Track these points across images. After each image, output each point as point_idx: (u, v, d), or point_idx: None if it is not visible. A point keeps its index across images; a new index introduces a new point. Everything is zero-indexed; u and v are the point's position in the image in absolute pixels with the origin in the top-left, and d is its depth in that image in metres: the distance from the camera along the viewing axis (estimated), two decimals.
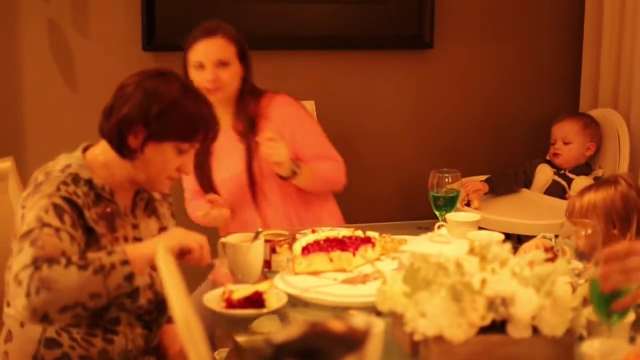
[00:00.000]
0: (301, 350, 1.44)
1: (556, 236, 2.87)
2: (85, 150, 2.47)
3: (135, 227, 2.48)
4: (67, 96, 4.14)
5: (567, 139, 4.19)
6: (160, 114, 2.35)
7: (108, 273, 2.15)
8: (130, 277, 2.20)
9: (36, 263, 2.11)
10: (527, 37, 4.62)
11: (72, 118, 4.10)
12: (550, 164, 4.25)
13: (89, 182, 2.36)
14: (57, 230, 2.21)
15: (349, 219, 4.04)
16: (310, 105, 4.21)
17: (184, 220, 2.80)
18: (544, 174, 4.23)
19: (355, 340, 1.48)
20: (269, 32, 4.24)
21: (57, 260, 2.12)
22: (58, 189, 2.28)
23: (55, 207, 2.24)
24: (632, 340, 2.05)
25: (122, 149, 2.39)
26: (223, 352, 2.49)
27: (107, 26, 4.10)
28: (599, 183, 2.96)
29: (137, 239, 2.47)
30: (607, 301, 1.96)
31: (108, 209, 2.39)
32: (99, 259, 2.16)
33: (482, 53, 4.56)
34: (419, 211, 3.72)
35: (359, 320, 1.51)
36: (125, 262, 2.18)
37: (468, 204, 3.92)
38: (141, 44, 4.10)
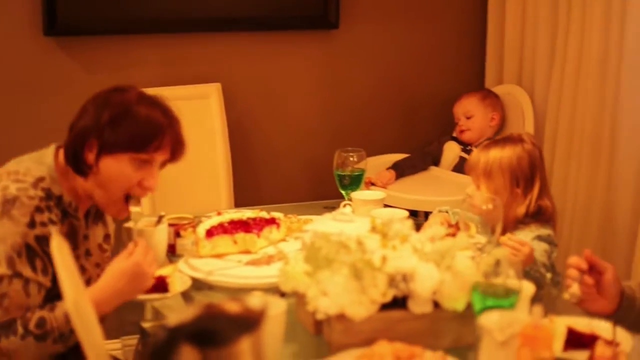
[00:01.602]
0: (195, 333, 1.42)
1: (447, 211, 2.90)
2: (56, 151, 2.37)
3: (85, 238, 2.43)
4: None
5: (469, 113, 4.23)
6: (111, 122, 2.26)
7: (68, 338, 2.15)
8: None
9: None
10: (432, 16, 4.63)
11: None
12: (458, 141, 4.29)
13: (59, 199, 2.28)
14: (27, 282, 2.17)
15: (258, 200, 4.04)
16: (217, 87, 4.18)
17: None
18: (451, 151, 4.27)
19: (251, 320, 1.47)
20: (173, 16, 4.17)
21: (14, 330, 2.12)
22: (32, 223, 2.19)
23: (28, 249, 2.18)
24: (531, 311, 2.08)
25: (80, 166, 2.29)
26: (129, 339, 2.47)
27: (6, 10, 3.99)
28: (504, 140, 2.90)
29: (87, 251, 2.43)
30: (488, 308, 1.97)
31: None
32: (58, 329, 2.14)
33: (387, 33, 4.56)
34: (327, 191, 3.72)
35: (254, 300, 1.50)
36: None
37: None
38: (42, 28, 4.00)
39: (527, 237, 2.72)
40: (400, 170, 4.11)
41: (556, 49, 4.11)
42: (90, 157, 2.28)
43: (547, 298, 2.53)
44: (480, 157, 2.85)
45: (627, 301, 2.28)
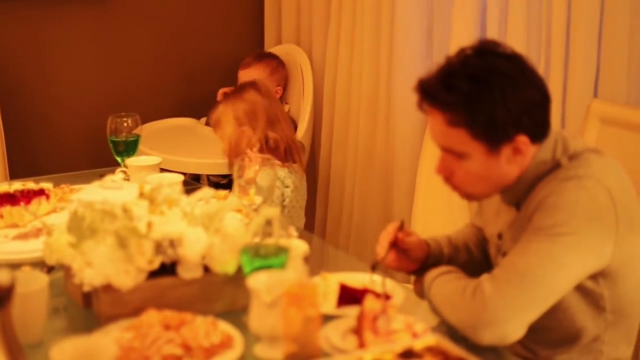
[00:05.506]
0: None
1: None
2: None
3: None
4: None
5: None
6: None
7: None
8: None
9: None
10: None
11: None
12: None
13: None
14: None
15: (35, 171, 3.89)
16: None
17: None
18: None
19: None
20: None
21: None
22: None
23: None
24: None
25: None
26: None
27: None
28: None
29: None
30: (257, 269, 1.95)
31: None
32: None
33: None
34: (107, 159, 3.62)
35: (1, 276, 1.42)
36: None
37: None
38: None
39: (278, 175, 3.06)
40: None
41: (331, 9, 4.14)
42: None
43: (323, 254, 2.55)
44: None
45: (433, 257, 2.30)
